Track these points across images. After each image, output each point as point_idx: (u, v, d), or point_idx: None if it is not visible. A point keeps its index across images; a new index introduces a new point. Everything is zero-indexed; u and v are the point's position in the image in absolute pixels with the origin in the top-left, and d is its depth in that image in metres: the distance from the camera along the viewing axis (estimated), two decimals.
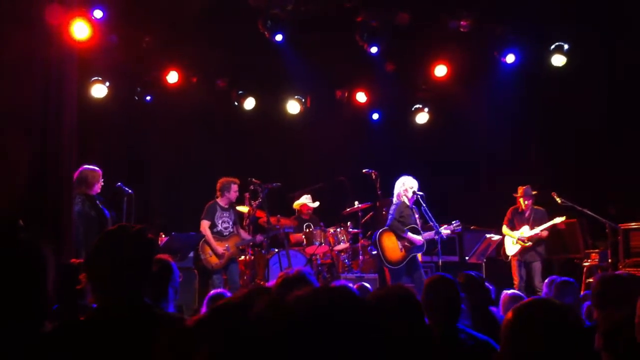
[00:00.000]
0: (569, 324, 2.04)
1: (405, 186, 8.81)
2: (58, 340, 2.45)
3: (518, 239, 9.69)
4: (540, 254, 9.73)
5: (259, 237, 9.42)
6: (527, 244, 9.63)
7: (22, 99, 5.88)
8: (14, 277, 2.43)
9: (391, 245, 8.76)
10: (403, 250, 8.70)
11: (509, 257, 9.82)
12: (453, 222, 8.95)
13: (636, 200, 9.81)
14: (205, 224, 9.01)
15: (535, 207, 9.90)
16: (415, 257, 8.74)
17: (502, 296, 5.68)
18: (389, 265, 8.78)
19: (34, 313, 2.46)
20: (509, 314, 2.11)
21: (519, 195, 9.93)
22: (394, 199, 8.96)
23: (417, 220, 8.79)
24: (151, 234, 2.75)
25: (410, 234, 8.67)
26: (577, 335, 2.04)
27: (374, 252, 9.47)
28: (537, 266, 9.65)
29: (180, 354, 1.77)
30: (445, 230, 8.81)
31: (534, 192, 9.86)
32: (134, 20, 9.60)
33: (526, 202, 9.85)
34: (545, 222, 9.72)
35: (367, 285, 5.19)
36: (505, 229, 9.95)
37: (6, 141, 5.66)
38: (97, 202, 7.51)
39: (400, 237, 8.73)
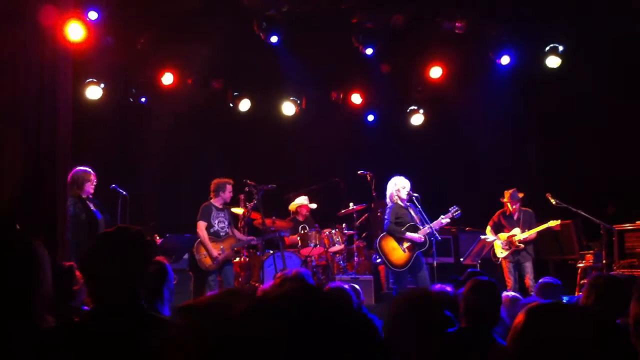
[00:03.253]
0: (583, 328, 2.03)
1: (397, 186, 8.79)
2: (52, 342, 2.45)
3: (508, 238, 9.67)
4: (531, 254, 9.74)
5: (255, 240, 9.42)
6: (520, 246, 9.64)
7: (16, 101, 5.85)
8: (10, 277, 2.43)
9: (393, 249, 8.73)
10: (407, 250, 8.68)
11: (499, 260, 9.82)
12: (451, 209, 8.95)
13: (634, 201, 9.82)
14: (201, 225, 8.97)
15: (523, 208, 9.90)
16: (419, 256, 8.71)
17: (502, 298, 5.67)
18: (396, 269, 8.74)
19: (30, 313, 2.46)
20: (521, 316, 2.10)
21: (505, 199, 9.93)
22: (387, 201, 8.93)
23: (415, 218, 8.76)
24: (148, 236, 2.75)
25: (409, 234, 8.66)
26: (589, 338, 2.03)
27: (378, 260, 9.45)
28: (528, 266, 9.65)
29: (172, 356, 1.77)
30: (444, 220, 8.83)
31: (520, 195, 9.86)
32: (129, 22, 9.59)
33: (514, 206, 9.85)
34: (534, 223, 9.73)
35: (356, 286, 5.18)
36: (488, 230, 9.95)
37: (2, 140, 5.63)
38: (90, 204, 7.50)
39: (399, 240, 8.71)
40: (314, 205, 10.74)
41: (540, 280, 6.11)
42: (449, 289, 4.51)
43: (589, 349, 1.99)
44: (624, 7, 9.46)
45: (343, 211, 10.54)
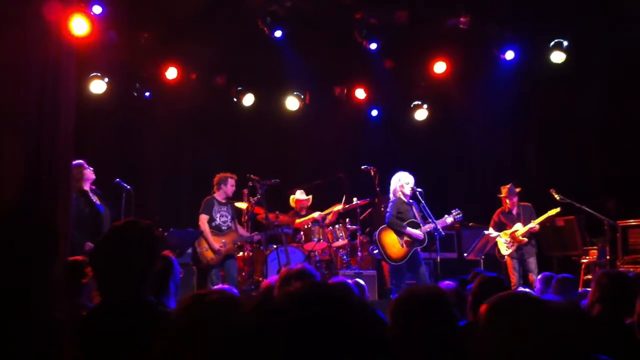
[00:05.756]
0: (546, 321, 2.00)
1: (402, 182, 8.79)
2: (60, 335, 2.45)
3: (511, 235, 9.66)
4: (535, 249, 9.74)
5: (257, 236, 9.43)
6: (524, 240, 9.63)
7: (19, 97, 5.83)
8: (15, 275, 2.43)
9: (391, 242, 8.73)
10: (405, 245, 8.68)
11: (505, 257, 9.81)
12: (453, 211, 8.96)
13: (635, 197, 9.80)
14: (203, 218, 9.00)
15: (522, 203, 9.89)
16: (417, 252, 8.71)
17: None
18: (391, 263, 8.76)
19: (34, 310, 2.46)
20: (484, 307, 2.08)
21: (503, 195, 9.91)
22: (391, 196, 8.94)
23: (417, 215, 8.77)
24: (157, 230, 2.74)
25: (409, 229, 8.66)
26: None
27: (375, 251, 9.45)
28: (532, 262, 9.64)
29: (178, 354, 1.77)
30: (449, 219, 8.83)
31: (517, 190, 9.85)
32: (133, 16, 9.59)
33: (512, 201, 9.84)
34: (534, 216, 9.71)
35: (361, 281, 5.19)
36: (490, 230, 9.96)
37: (1, 140, 5.61)
38: (93, 197, 7.51)
39: (399, 234, 8.72)
40: (307, 197, 10.59)
41: (557, 276, 6.08)
42: (454, 285, 4.58)
43: (551, 342, 1.95)
44: (623, 6, 9.46)
45: (347, 206, 10.53)
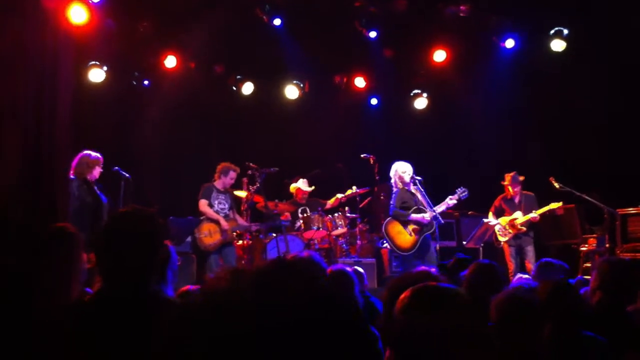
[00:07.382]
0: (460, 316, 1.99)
1: (399, 172, 8.81)
2: (63, 320, 2.44)
3: (509, 223, 9.67)
4: (533, 238, 9.75)
5: (254, 226, 9.43)
6: (522, 229, 9.63)
7: (18, 85, 5.82)
8: (13, 264, 2.43)
9: (399, 233, 8.74)
10: (413, 234, 8.69)
11: (501, 244, 9.81)
12: (457, 190, 8.95)
13: (635, 187, 9.80)
14: (203, 203, 9.01)
15: (524, 192, 9.89)
16: (427, 239, 8.71)
17: (515, 280, 5.67)
18: (402, 253, 8.76)
19: (34, 298, 2.46)
20: (406, 293, 2.07)
21: (506, 183, 9.91)
22: (393, 188, 8.96)
23: (422, 201, 8.76)
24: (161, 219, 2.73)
25: (414, 215, 8.67)
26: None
27: (385, 245, 9.46)
28: (530, 250, 9.65)
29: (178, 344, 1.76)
30: (451, 200, 8.82)
31: (521, 178, 9.85)
32: (132, 5, 9.55)
33: (515, 189, 9.84)
34: (536, 206, 9.71)
35: (360, 269, 5.19)
36: (490, 216, 9.96)
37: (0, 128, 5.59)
38: (95, 187, 7.51)
39: (405, 223, 8.72)
40: (310, 189, 10.62)
41: (539, 261, 6.08)
42: (433, 270, 4.54)
43: (464, 338, 1.92)
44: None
45: (346, 194, 10.52)
